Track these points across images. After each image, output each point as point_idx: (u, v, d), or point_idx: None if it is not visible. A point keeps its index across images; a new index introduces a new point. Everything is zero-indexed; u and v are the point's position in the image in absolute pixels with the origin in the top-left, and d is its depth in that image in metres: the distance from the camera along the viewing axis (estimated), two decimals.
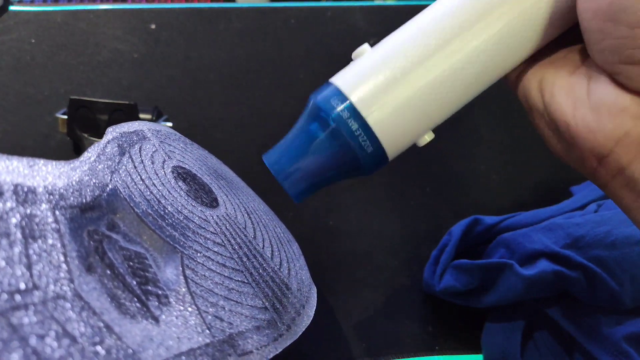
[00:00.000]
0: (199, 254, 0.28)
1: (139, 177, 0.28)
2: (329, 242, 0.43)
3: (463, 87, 0.23)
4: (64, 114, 0.45)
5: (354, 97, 0.23)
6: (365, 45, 0.24)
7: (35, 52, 0.55)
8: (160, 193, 0.29)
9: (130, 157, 0.29)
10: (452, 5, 0.23)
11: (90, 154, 0.27)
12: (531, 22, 0.22)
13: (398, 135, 0.23)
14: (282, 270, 0.32)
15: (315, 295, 0.33)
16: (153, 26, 0.59)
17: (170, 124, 0.47)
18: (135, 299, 0.24)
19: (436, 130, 0.25)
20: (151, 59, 0.56)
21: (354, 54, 0.25)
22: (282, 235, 0.36)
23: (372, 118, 0.23)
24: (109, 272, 0.23)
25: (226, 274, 0.28)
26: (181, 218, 0.28)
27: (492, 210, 0.41)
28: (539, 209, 0.40)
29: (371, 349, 0.37)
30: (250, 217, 0.34)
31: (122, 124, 0.32)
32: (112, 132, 0.31)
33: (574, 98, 0.21)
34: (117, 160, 0.28)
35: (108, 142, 0.29)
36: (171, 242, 0.27)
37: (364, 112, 0.23)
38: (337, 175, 0.25)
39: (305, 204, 0.45)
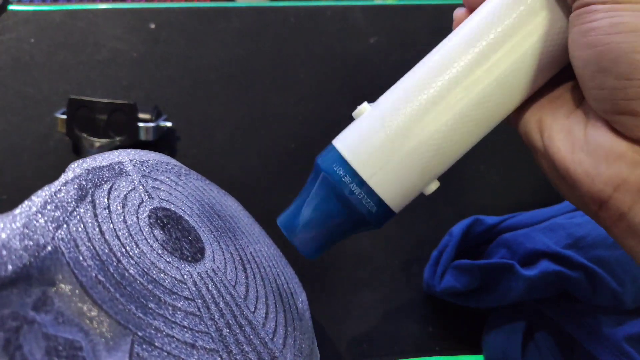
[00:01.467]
0: (159, 334, 0.22)
1: (97, 229, 0.23)
2: None
3: (462, 139, 0.24)
4: (63, 113, 0.45)
5: (355, 162, 0.24)
6: (365, 105, 0.25)
7: (34, 52, 0.55)
8: (123, 249, 0.23)
9: (92, 201, 0.24)
10: (445, 57, 0.23)
11: (34, 201, 0.22)
12: (527, 67, 0.22)
13: (401, 192, 0.24)
14: (275, 340, 0.27)
15: None
16: (152, 25, 0.59)
17: (169, 124, 0.47)
18: None
19: (441, 177, 0.25)
20: (151, 58, 0.56)
21: (354, 113, 0.25)
22: (284, 287, 0.32)
23: (374, 181, 0.24)
24: None
25: (194, 359, 0.23)
26: (145, 283, 0.23)
27: (493, 210, 0.41)
28: (539, 209, 0.40)
29: (371, 349, 0.37)
30: (245, 269, 0.30)
31: (95, 155, 0.27)
32: (74, 169, 0.25)
33: (572, 142, 0.21)
34: (69, 210, 0.23)
35: (65, 183, 0.24)
36: (122, 321, 0.21)
37: (364, 176, 0.24)
38: (347, 232, 0.26)
39: None
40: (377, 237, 0.43)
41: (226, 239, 0.30)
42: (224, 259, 0.29)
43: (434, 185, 0.25)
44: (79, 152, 0.45)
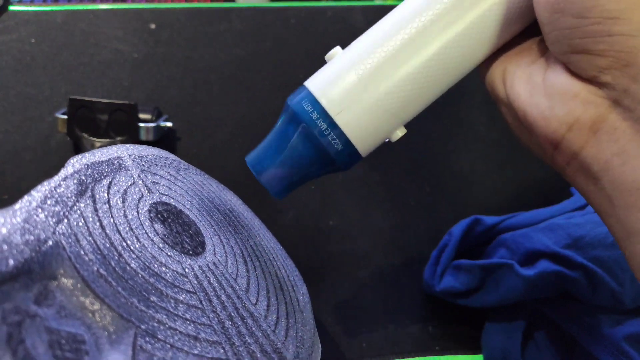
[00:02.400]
0: (162, 327, 0.22)
1: (97, 224, 0.23)
2: (329, 242, 0.43)
3: (429, 85, 0.24)
4: (63, 113, 0.45)
5: (323, 99, 0.24)
6: (337, 48, 0.26)
7: (35, 53, 0.55)
8: (124, 243, 0.23)
9: (92, 196, 0.24)
10: (416, 6, 0.24)
11: (33, 196, 0.22)
12: (493, 19, 0.23)
13: (368, 133, 0.25)
14: (277, 332, 0.27)
15: (319, 357, 0.30)
16: (153, 26, 0.59)
17: (170, 124, 0.47)
18: None
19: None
20: (151, 59, 0.56)
21: (326, 57, 0.26)
22: (285, 279, 0.32)
23: (340, 117, 0.24)
24: None
25: (197, 351, 0.22)
26: (147, 277, 0.23)
27: (492, 210, 0.41)
28: (539, 209, 0.40)
29: (371, 349, 0.37)
30: (246, 262, 0.29)
31: (94, 150, 0.27)
32: (74, 164, 0.25)
33: (531, 86, 0.22)
34: (69, 205, 0.23)
35: (65, 178, 0.24)
36: (124, 315, 0.21)
37: (332, 113, 0.24)
38: (314, 172, 0.26)
39: (305, 204, 0.45)
40: (377, 237, 0.43)
41: (226, 232, 0.30)
42: (225, 252, 0.29)
43: (400, 132, 0.25)
44: (79, 152, 0.45)
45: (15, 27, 0.58)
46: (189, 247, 0.26)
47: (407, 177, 0.47)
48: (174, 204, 0.28)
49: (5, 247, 0.19)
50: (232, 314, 0.25)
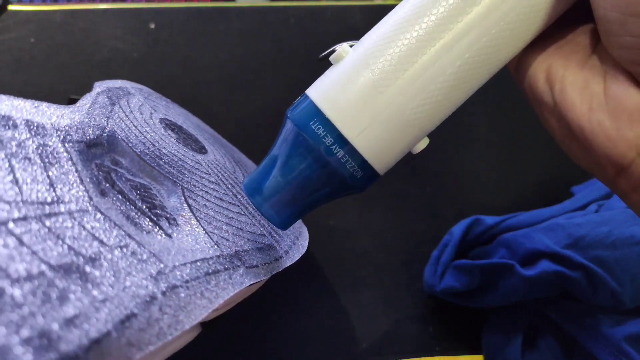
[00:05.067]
0: (197, 188, 0.29)
1: (131, 123, 0.30)
2: (329, 242, 0.42)
3: (462, 88, 0.20)
4: None
5: (338, 120, 0.20)
6: (345, 46, 0.21)
7: (34, 52, 0.55)
8: (153, 138, 0.30)
9: (121, 107, 0.30)
10: None
11: (84, 101, 0.29)
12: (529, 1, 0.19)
13: (390, 152, 0.21)
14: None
15: (307, 232, 0.35)
16: (152, 25, 0.59)
17: None
18: (148, 219, 0.25)
19: (431, 134, 0.23)
20: (151, 58, 0.56)
21: (332, 58, 0.21)
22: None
23: (359, 142, 0.20)
24: (120, 197, 0.25)
25: (224, 206, 0.29)
26: (176, 159, 0.30)
27: (493, 210, 0.41)
28: (539, 209, 0.40)
29: (371, 349, 0.37)
30: (237, 165, 0.35)
31: (107, 80, 0.33)
32: (100, 86, 0.32)
33: (589, 97, 0.18)
34: (109, 109, 0.29)
35: (98, 94, 0.30)
36: (170, 177, 0.28)
37: (349, 136, 0.20)
38: (324, 199, 0.22)
39: None
40: (377, 236, 0.43)
41: (216, 145, 0.37)
42: (221, 155, 0.35)
43: (423, 143, 0.22)
44: None
45: (15, 26, 0.58)
46: (196, 148, 0.33)
47: (407, 177, 0.47)
48: (174, 120, 0.34)
49: (83, 125, 0.26)
50: (240, 192, 0.32)
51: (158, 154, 0.29)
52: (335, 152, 0.20)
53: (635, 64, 0.17)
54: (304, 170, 0.21)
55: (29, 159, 0.22)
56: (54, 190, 0.22)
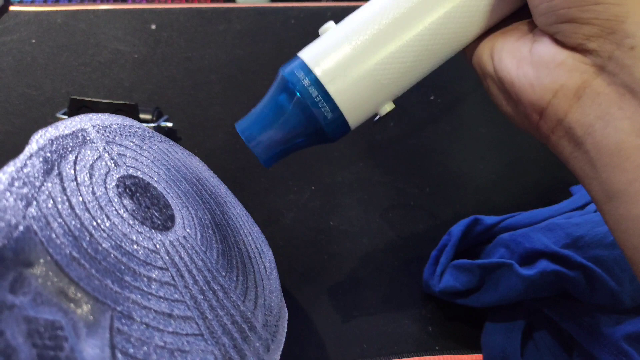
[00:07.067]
0: (137, 307, 0.22)
1: (66, 203, 0.22)
2: (329, 242, 0.43)
3: (419, 60, 0.25)
4: (64, 114, 0.45)
5: (316, 68, 0.25)
6: (331, 22, 0.26)
7: (36, 53, 0.56)
8: (94, 223, 0.23)
9: (59, 174, 0.23)
10: None
11: (0, 179, 0.21)
12: (482, 1, 0.25)
13: (357, 103, 0.25)
14: (246, 302, 0.27)
15: (286, 321, 0.30)
16: (153, 26, 0.59)
17: (170, 124, 0.47)
18: None
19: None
20: (152, 59, 0.56)
21: (320, 30, 0.27)
22: (252, 247, 0.32)
23: (332, 86, 0.25)
24: None
25: (171, 329, 0.23)
26: (119, 256, 0.23)
27: (492, 210, 0.41)
28: (538, 209, 0.40)
29: (371, 349, 0.37)
30: (215, 233, 0.29)
31: (57, 123, 0.26)
32: (37, 140, 0.24)
33: (519, 57, 0.23)
34: (38, 185, 0.22)
35: (30, 156, 0.23)
36: (100, 298, 0.21)
37: (324, 81, 0.25)
38: (303, 141, 0.27)
39: (306, 204, 0.45)
40: (377, 237, 0.43)
41: (194, 203, 0.30)
42: (194, 224, 0.28)
43: (388, 107, 0.26)
44: None
45: (16, 27, 0.58)
46: (159, 222, 0.26)
47: (407, 177, 0.47)
48: (141, 176, 0.28)
49: None
50: (204, 288, 0.25)
51: (93, 253, 0.22)
52: (311, 92, 0.25)
53: (550, 24, 0.22)
54: (287, 110, 0.26)
55: None
56: None
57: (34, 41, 0.57)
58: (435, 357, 0.36)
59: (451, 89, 0.53)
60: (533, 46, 0.23)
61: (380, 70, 0.25)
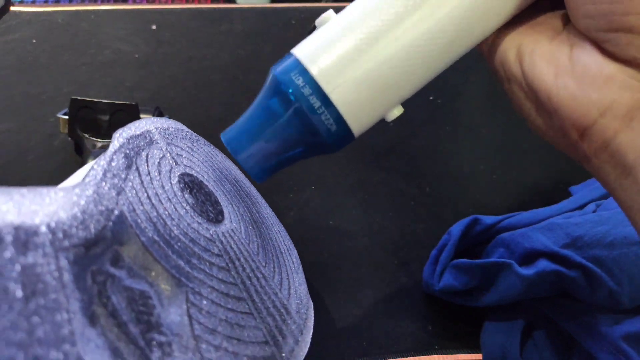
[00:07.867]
0: (203, 285, 0.25)
1: (145, 194, 0.26)
2: (329, 242, 0.43)
3: (434, 56, 0.21)
4: (65, 114, 0.45)
5: (316, 71, 0.21)
6: (330, 12, 0.22)
7: (37, 53, 0.56)
8: (166, 212, 0.26)
9: (137, 169, 0.27)
10: None
11: (96, 170, 0.24)
12: None
13: (364, 111, 0.22)
14: (282, 290, 0.30)
15: (313, 313, 0.32)
16: (154, 27, 0.59)
17: None
18: (139, 352, 0.22)
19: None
20: (153, 59, 0.56)
21: (317, 21, 0.23)
22: (282, 244, 0.35)
23: (336, 95, 0.21)
24: (112, 320, 0.22)
25: (230, 306, 0.26)
26: (187, 242, 0.26)
27: (492, 210, 0.41)
28: (538, 209, 0.40)
29: (371, 349, 0.37)
30: (254, 228, 0.32)
31: (129, 124, 0.29)
32: (118, 138, 0.27)
33: (556, 66, 0.20)
34: (123, 177, 0.25)
35: (115, 152, 0.26)
36: (176, 275, 0.24)
37: (326, 88, 0.21)
38: (300, 152, 0.23)
39: (306, 204, 0.45)
40: (377, 237, 0.43)
41: (236, 201, 0.33)
42: (238, 219, 0.31)
43: (397, 111, 0.23)
44: (80, 152, 0.46)
45: (17, 27, 0.58)
46: (212, 215, 0.29)
47: (407, 177, 0.47)
48: (195, 174, 0.31)
49: (86, 217, 0.22)
50: (250, 275, 0.29)
51: (168, 237, 0.25)
52: (312, 102, 0.21)
53: (598, 30, 0.18)
54: (282, 119, 0.22)
55: (7, 293, 0.18)
56: (32, 341, 0.18)
57: (35, 41, 0.57)
58: (435, 356, 0.37)
59: (451, 89, 0.53)
60: (573, 53, 0.20)
61: (391, 70, 0.21)
